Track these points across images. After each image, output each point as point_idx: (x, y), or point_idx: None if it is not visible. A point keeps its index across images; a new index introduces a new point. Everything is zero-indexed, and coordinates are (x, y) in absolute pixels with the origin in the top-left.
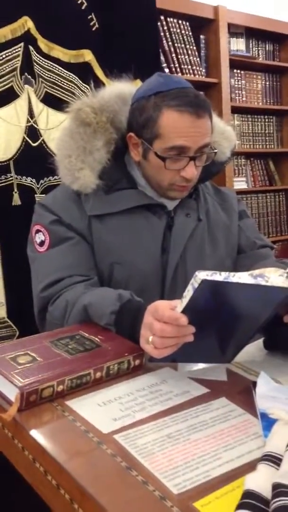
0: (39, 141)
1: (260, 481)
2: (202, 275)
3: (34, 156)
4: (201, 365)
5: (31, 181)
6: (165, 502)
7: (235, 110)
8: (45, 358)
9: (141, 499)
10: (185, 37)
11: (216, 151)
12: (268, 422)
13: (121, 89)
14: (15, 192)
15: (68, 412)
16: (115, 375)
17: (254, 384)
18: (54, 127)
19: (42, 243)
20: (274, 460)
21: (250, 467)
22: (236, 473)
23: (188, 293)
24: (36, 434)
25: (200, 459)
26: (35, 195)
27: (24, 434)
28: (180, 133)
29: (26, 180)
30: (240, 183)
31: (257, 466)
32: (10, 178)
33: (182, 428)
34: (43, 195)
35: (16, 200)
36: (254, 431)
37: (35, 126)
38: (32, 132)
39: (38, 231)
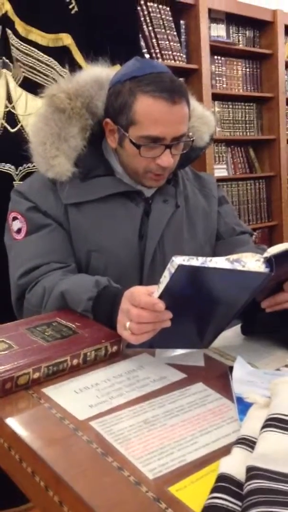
0: (17, 127)
1: (235, 464)
2: (178, 260)
3: (12, 142)
4: (178, 351)
5: (10, 167)
6: (140, 487)
7: (216, 97)
8: (21, 346)
9: (116, 484)
10: (165, 22)
11: (193, 139)
12: (244, 406)
13: (97, 73)
14: None
15: (44, 400)
16: (93, 362)
17: (231, 369)
18: (33, 112)
19: (19, 231)
20: (249, 443)
21: (226, 451)
22: (212, 457)
23: (165, 278)
24: (11, 422)
25: (176, 444)
26: (14, 182)
27: None
28: (155, 121)
29: (4, 167)
30: (220, 171)
31: (232, 449)
32: None
33: (159, 413)
34: (22, 182)
35: None
36: (230, 415)
37: (13, 111)
38: (10, 117)
39: (14, 218)
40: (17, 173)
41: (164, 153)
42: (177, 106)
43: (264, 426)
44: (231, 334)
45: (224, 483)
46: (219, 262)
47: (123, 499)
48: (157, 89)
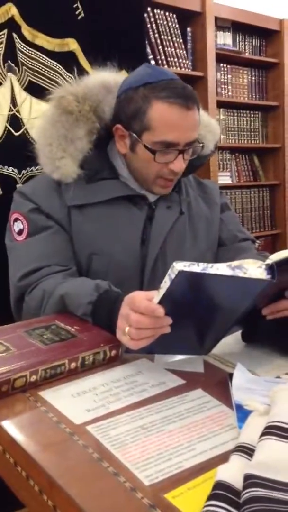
0: (21, 131)
1: (232, 472)
2: (179, 266)
3: (16, 146)
4: (178, 357)
5: (13, 171)
6: (135, 494)
7: (221, 104)
8: (18, 348)
9: (111, 490)
10: (171, 29)
11: (202, 144)
12: (243, 414)
13: (105, 78)
14: None
15: (41, 403)
16: (91, 366)
17: (231, 375)
18: (37, 116)
19: (20, 232)
20: (247, 451)
21: (224, 458)
22: (209, 464)
23: (165, 284)
24: (7, 425)
25: (174, 450)
26: (17, 185)
27: None
28: (170, 126)
29: (7, 170)
30: (224, 178)
31: (230, 457)
32: None
33: (156, 419)
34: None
35: None
36: (229, 423)
37: (18, 115)
38: (15, 121)
39: (16, 219)
40: (20, 176)
41: (178, 158)
42: (191, 112)
43: (263, 434)
44: (232, 341)
45: (221, 490)
46: (220, 269)
47: (118, 505)
48: (172, 95)
